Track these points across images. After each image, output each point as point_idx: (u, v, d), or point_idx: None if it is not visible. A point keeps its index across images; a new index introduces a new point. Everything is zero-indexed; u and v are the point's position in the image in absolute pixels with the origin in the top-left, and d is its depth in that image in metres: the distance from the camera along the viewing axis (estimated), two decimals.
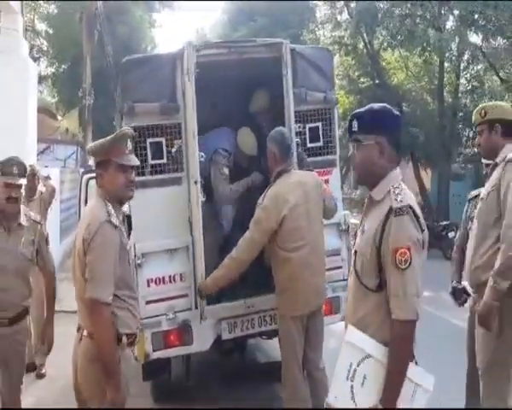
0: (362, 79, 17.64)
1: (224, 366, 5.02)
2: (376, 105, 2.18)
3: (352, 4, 15.85)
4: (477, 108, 3.19)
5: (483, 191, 3.12)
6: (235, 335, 3.89)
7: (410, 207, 2.01)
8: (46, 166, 12.40)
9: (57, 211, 10.35)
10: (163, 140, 3.70)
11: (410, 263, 1.94)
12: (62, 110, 20.14)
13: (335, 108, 4.15)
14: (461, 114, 16.27)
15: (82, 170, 13.19)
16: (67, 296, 8.16)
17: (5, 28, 7.40)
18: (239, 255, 3.49)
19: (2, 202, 3.26)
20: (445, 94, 16.11)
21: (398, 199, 2.01)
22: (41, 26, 21.71)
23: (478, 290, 3.00)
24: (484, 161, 3.49)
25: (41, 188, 5.43)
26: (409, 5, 12.95)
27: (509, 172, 2.86)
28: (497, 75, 14.76)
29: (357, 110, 2.20)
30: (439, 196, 16.13)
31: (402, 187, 2.07)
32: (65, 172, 11.76)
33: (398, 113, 2.22)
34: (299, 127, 3.91)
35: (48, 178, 5.64)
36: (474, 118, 3.19)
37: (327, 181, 4.07)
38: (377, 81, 16.71)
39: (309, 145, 4.03)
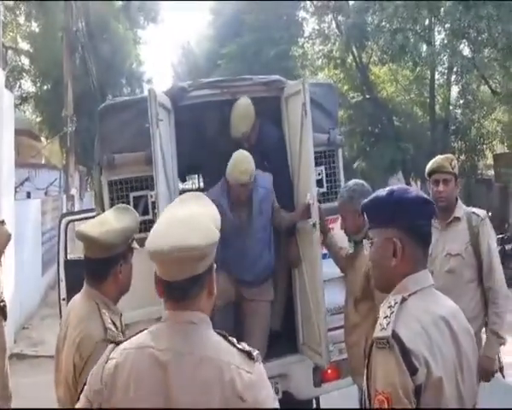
0: (351, 94, 17.43)
1: None
2: (386, 190, 1.63)
3: (341, 18, 15.66)
4: (445, 157, 3.21)
5: (451, 247, 3.10)
6: None
7: (397, 338, 1.40)
8: (28, 193, 11.89)
9: (39, 243, 9.84)
10: (148, 194, 3.27)
11: None
12: (45, 132, 19.63)
13: (340, 149, 3.75)
14: (453, 127, 16.15)
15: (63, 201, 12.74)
16: (50, 338, 7.71)
17: None
18: None
19: None
20: (436, 107, 15.95)
21: (384, 324, 1.44)
22: (23, 45, 21.24)
23: None
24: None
25: None
26: (399, 19, 12.69)
27: (486, 231, 3.07)
28: (489, 87, 14.60)
29: (364, 201, 1.70)
30: None
31: (403, 306, 1.47)
32: (47, 201, 11.22)
33: (418, 194, 1.61)
34: None
35: (2, 223, 5.08)
36: (439, 165, 3.16)
37: (332, 230, 3.65)
38: (367, 96, 16.52)
39: None
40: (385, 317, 1.45)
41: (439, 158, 3.21)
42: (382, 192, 1.62)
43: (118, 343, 1.50)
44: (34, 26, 20.93)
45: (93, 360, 1.74)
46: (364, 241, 2.82)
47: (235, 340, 1.43)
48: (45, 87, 19.76)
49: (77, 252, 5.68)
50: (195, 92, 3.39)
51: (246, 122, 3.62)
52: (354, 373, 3.05)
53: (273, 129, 3.78)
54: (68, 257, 5.33)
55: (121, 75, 20.54)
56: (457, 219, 3.13)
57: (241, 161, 3.36)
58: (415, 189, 1.66)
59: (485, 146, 16.47)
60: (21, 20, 20.60)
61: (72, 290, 4.98)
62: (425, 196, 1.61)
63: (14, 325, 7.49)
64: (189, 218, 1.43)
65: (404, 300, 1.48)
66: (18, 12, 19.77)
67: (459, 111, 16.13)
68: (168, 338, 1.41)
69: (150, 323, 3.21)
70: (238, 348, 1.40)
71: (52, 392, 2.19)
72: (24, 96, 20.09)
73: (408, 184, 16.60)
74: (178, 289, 1.41)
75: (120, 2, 20.45)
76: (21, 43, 21.18)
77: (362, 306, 2.92)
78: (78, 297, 2.07)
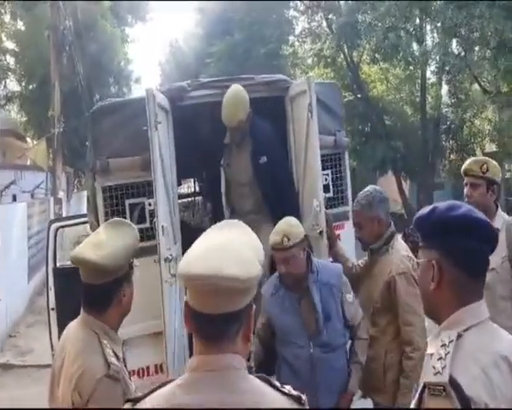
0: (342, 92, 17.31)
1: None
2: (430, 206, 1.46)
3: (331, 16, 15.53)
4: (475, 160, 3.06)
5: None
6: None
7: (455, 385, 1.22)
8: (14, 196, 11.58)
9: (25, 248, 9.53)
10: (145, 201, 3.07)
11: None
12: (31, 132, 19.24)
13: (346, 152, 3.58)
14: (444, 126, 16.13)
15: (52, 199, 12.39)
16: (38, 346, 7.42)
17: None
18: None
19: None
20: (427, 106, 15.90)
21: (439, 368, 1.24)
22: (8, 44, 20.79)
23: None
24: None
25: None
26: (392, 19, 12.58)
27: None
28: (480, 86, 14.57)
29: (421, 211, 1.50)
30: (420, 206, 15.89)
31: (459, 345, 1.28)
32: (33, 204, 10.89)
33: (466, 213, 1.40)
34: None
35: None
36: (467, 167, 2.98)
37: (338, 237, 3.49)
38: (358, 95, 16.44)
39: None
40: (439, 358, 1.26)
41: (470, 160, 3.09)
42: (426, 209, 1.45)
43: (134, 401, 1.22)
44: (20, 25, 20.53)
45: (96, 400, 1.56)
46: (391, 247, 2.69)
47: (278, 383, 1.24)
48: (31, 86, 19.38)
49: (65, 259, 5.46)
50: (195, 92, 3.22)
51: (242, 109, 3.29)
52: (372, 389, 2.86)
53: (263, 121, 3.53)
54: (57, 264, 5.10)
55: (109, 74, 20.21)
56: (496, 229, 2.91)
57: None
58: (466, 206, 1.42)
59: (475, 145, 16.49)
60: (6, 18, 20.17)
61: (61, 299, 4.78)
62: (479, 215, 1.41)
63: (0, 334, 7.22)
64: (229, 245, 1.22)
65: (459, 336, 1.29)
66: (3, 10, 19.35)
67: (450, 110, 16.12)
68: (208, 390, 1.16)
69: (150, 338, 3.10)
70: (286, 394, 1.22)
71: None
72: (9, 95, 19.67)
73: (399, 184, 16.56)
74: (214, 326, 1.18)
75: (108, 2, 20.11)
76: (6, 41, 20.75)
77: (381, 319, 2.75)
78: (73, 325, 1.84)
